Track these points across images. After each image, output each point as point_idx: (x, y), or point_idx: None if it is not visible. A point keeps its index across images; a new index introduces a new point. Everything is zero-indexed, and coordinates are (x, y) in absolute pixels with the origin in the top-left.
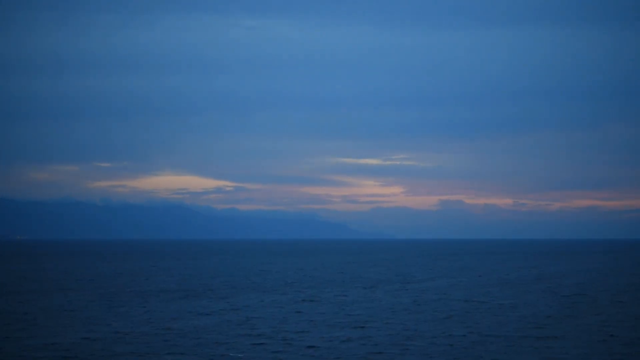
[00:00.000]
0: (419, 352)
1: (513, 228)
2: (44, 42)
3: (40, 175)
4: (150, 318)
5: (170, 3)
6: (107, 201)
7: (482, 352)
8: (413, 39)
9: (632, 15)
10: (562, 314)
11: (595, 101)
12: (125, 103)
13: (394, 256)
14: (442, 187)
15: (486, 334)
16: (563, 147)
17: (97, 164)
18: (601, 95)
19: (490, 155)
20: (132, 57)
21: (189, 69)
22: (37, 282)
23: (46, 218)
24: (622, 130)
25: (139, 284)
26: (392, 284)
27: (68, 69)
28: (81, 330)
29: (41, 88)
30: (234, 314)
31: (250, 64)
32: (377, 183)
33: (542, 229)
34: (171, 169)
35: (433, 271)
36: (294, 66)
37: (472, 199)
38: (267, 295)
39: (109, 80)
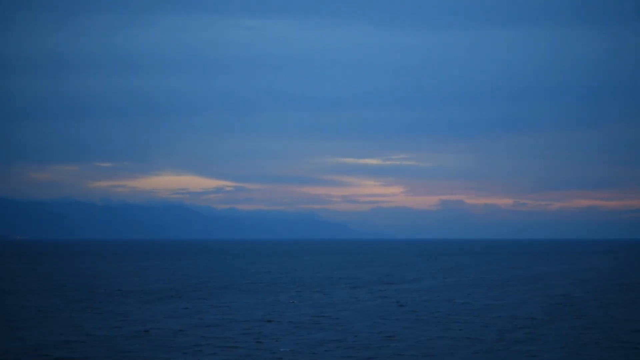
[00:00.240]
0: (392, 355)
1: (513, 228)
2: (44, 42)
3: (40, 175)
4: (120, 321)
5: (171, 3)
6: (107, 201)
7: (457, 355)
8: (413, 38)
9: (632, 16)
10: (545, 316)
11: (595, 101)
12: (125, 103)
13: (390, 256)
14: (442, 187)
15: (464, 337)
16: (563, 147)
17: (97, 164)
18: (602, 95)
19: (490, 155)
20: (132, 57)
21: (189, 69)
22: (21, 282)
23: (46, 218)
24: (623, 130)
25: (125, 285)
26: (379, 284)
27: (68, 69)
28: (40, 333)
29: (41, 88)
30: (209, 316)
31: (250, 64)
32: (377, 183)
33: (542, 229)
34: (171, 169)
35: (425, 272)
36: (294, 66)
37: (472, 199)
38: (250, 296)
39: (109, 80)
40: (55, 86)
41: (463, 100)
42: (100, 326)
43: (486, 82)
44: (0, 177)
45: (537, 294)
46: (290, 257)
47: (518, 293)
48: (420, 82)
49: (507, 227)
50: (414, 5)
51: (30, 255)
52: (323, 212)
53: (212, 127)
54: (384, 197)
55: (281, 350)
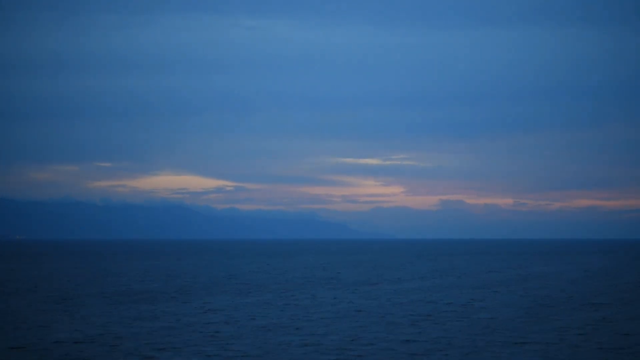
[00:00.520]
0: (354, 358)
1: (513, 228)
2: (44, 42)
3: (40, 175)
4: (84, 324)
5: (171, 3)
6: (107, 201)
7: (436, 358)
8: (413, 38)
9: (634, 16)
10: (530, 318)
11: (596, 101)
12: (125, 103)
13: (385, 257)
14: (442, 187)
15: (444, 339)
16: (563, 147)
17: (97, 164)
18: (602, 95)
19: (490, 155)
20: (132, 57)
21: (189, 68)
22: (3, 283)
23: (46, 218)
24: (623, 130)
25: (108, 286)
26: (367, 285)
27: (68, 69)
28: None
29: (41, 88)
30: (175, 318)
31: (250, 64)
32: (377, 183)
33: (542, 229)
34: (171, 169)
35: (416, 272)
36: (294, 66)
37: (472, 199)
38: (230, 298)
39: (109, 80)
40: (56, 86)
41: (463, 100)
42: (61, 329)
43: (486, 82)
44: (0, 177)
45: (524, 295)
46: (285, 258)
47: (505, 294)
48: (420, 82)
49: (507, 227)
50: (414, 5)
51: (25, 256)
52: (323, 212)
53: (212, 127)
54: (384, 197)
55: (229, 355)
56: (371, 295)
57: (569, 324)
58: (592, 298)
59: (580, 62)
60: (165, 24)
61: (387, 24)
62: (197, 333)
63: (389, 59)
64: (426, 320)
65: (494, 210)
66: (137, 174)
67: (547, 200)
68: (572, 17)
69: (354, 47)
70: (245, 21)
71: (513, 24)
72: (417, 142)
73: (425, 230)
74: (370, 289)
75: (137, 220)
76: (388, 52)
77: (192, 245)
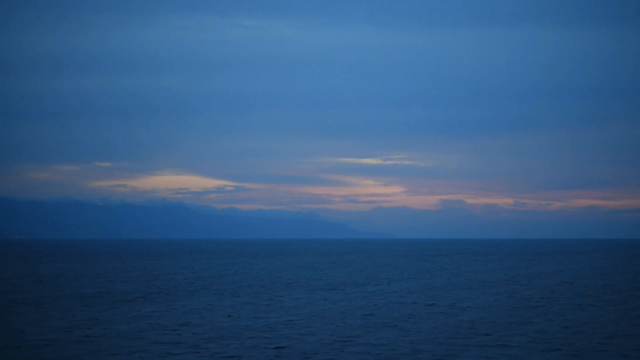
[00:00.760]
0: None
1: (513, 228)
2: (43, 42)
3: (40, 175)
4: (49, 326)
5: (171, 3)
6: (106, 201)
7: None
8: (414, 38)
9: (636, 15)
10: (512, 319)
11: (597, 101)
12: (125, 103)
13: (380, 256)
14: (442, 187)
15: (424, 342)
16: (564, 147)
17: (97, 164)
18: (603, 95)
19: (491, 155)
20: (132, 57)
21: (189, 68)
22: None
23: (46, 218)
24: (623, 130)
25: (91, 286)
26: (354, 286)
27: (68, 68)
28: None
29: (41, 88)
30: (144, 321)
31: (250, 64)
32: (377, 183)
33: (542, 229)
34: (171, 169)
35: (407, 272)
36: (294, 66)
37: (473, 199)
38: (208, 299)
39: (108, 80)
40: (55, 86)
41: (463, 100)
42: (30, 331)
43: (487, 82)
44: (0, 177)
45: (510, 297)
46: (279, 258)
47: (492, 295)
48: (420, 82)
49: (507, 227)
50: (415, 5)
51: (19, 256)
52: (323, 212)
53: (212, 127)
54: (384, 197)
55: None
56: (354, 296)
57: (549, 326)
58: (579, 299)
59: (582, 62)
60: (165, 24)
61: (387, 24)
62: (163, 336)
63: (389, 59)
64: (405, 321)
65: (494, 210)
66: (137, 174)
67: (547, 200)
68: (574, 16)
69: (354, 47)
70: (245, 21)
71: (514, 23)
72: (417, 142)
73: (426, 230)
74: (356, 289)
75: (136, 220)
76: (388, 52)
77: (190, 246)
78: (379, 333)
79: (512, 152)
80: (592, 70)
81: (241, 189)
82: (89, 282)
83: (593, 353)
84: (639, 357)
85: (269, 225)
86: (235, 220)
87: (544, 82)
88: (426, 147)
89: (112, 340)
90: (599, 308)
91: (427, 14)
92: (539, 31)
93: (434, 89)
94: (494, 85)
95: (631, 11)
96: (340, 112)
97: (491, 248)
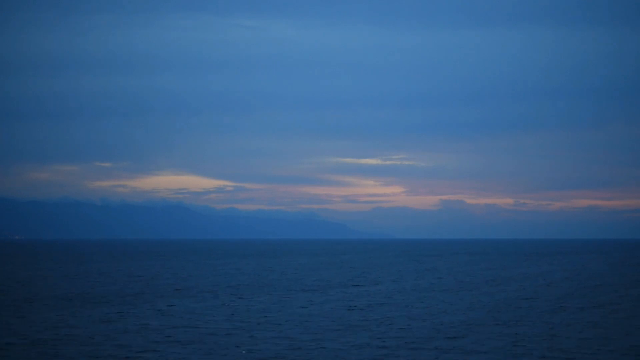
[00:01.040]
0: None
1: (514, 228)
2: (43, 42)
3: (40, 175)
4: (27, 328)
5: (171, 3)
6: (106, 201)
7: None
8: (413, 38)
9: (636, 16)
10: (491, 322)
11: (597, 101)
12: (125, 103)
13: (376, 257)
14: (442, 187)
15: (382, 346)
16: (564, 147)
17: (97, 164)
18: (604, 95)
19: (491, 155)
20: (132, 57)
21: (189, 68)
22: None
23: (46, 218)
24: (623, 130)
25: (72, 288)
26: (338, 287)
27: (68, 69)
28: None
29: (41, 88)
30: (104, 325)
31: (250, 64)
32: (377, 183)
33: (542, 229)
34: (171, 169)
35: (397, 273)
36: (294, 66)
37: (473, 199)
38: (178, 301)
39: (108, 80)
40: (55, 86)
41: (463, 100)
42: (5, 334)
43: (487, 82)
44: (0, 177)
45: (495, 298)
46: (272, 259)
47: (478, 296)
48: (420, 82)
49: (507, 227)
50: (414, 5)
51: (16, 256)
52: (323, 212)
53: (212, 127)
54: (384, 197)
55: None
56: (335, 297)
57: (528, 330)
58: (564, 301)
59: (581, 62)
60: (165, 24)
61: (387, 24)
62: (116, 340)
63: (389, 59)
64: (379, 324)
65: (494, 210)
66: (137, 174)
67: (547, 200)
68: (574, 16)
69: (354, 47)
70: (245, 21)
71: (514, 24)
72: (417, 142)
73: (426, 230)
74: (339, 291)
75: (136, 221)
76: (388, 52)
77: (188, 246)
78: (347, 337)
79: (512, 152)
80: (592, 71)
81: (241, 189)
82: (67, 284)
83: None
84: None
85: (269, 225)
86: (235, 221)
87: (544, 82)
88: (426, 147)
89: (63, 345)
90: (583, 311)
91: (427, 14)
92: (539, 31)
93: (434, 89)
94: (494, 85)
95: (631, 11)
96: (340, 112)
97: (488, 248)
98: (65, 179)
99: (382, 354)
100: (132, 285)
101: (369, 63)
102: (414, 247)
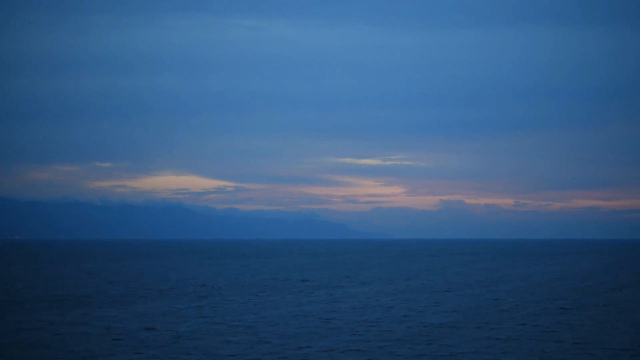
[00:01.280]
0: None
1: (514, 228)
2: (43, 43)
3: (40, 175)
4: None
5: (171, 3)
6: (106, 201)
7: None
8: (413, 38)
9: (636, 16)
10: (473, 324)
11: (597, 101)
12: (125, 103)
13: (371, 257)
14: (442, 187)
15: (355, 349)
16: (564, 147)
17: (97, 164)
18: (604, 96)
19: (491, 155)
20: (132, 57)
21: (189, 68)
22: None
23: (45, 218)
24: (623, 130)
25: (53, 289)
26: (325, 288)
27: (68, 69)
28: None
29: (41, 88)
30: (68, 328)
31: (250, 64)
32: (377, 183)
33: (542, 229)
34: (171, 169)
35: (387, 274)
36: (294, 66)
37: (473, 199)
38: (154, 303)
39: (108, 80)
40: (55, 86)
41: (463, 100)
42: None
43: (487, 82)
44: (0, 177)
45: (481, 299)
46: (266, 259)
47: (464, 297)
48: (420, 82)
49: (507, 227)
50: (414, 5)
51: (11, 257)
52: (323, 212)
53: (212, 127)
54: (384, 197)
55: None
56: (322, 298)
57: (511, 333)
58: (550, 302)
59: (582, 62)
60: (165, 24)
61: (387, 24)
62: (77, 345)
63: (389, 59)
64: (360, 326)
65: (494, 211)
66: (137, 174)
67: (547, 201)
68: (574, 16)
69: (354, 47)
70: (245, 21)
71: (514, 24)
72: (417, 142)
73: (426, 230)
74: (327, 292)
75: (136, 221)
76: (388, 52)
77: (187, 246)
78: (320, 340)
79: (512, 153)
80: (592, 71)
81: (241, 189)
82: (50, 285)
83: None
84: None
85: (269, 225)
86: (235, 221)
87: (544, 82)
88: (426, 148)
89: (16, 348)
90: (562, 313)
91: (428, 14)
92: (539, 32)
93: (434, 89)
94: (494, 85)
95: (631, 12)
96: (340, 112)
97: (488, 248)
98: (65, 179)
99: (350, 359)
100: (114, 287)
101: (369, 63)
102: (413, 248)
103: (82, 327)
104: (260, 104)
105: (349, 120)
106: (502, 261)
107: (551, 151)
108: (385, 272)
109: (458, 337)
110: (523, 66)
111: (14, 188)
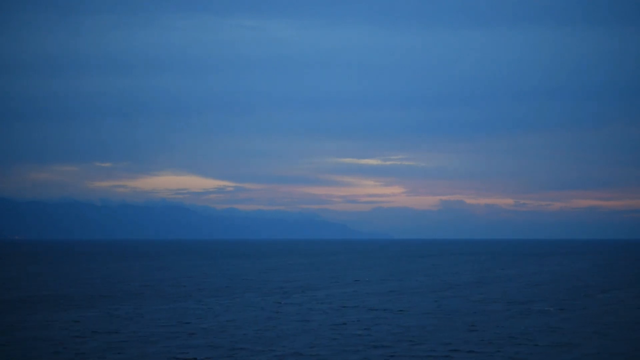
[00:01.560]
0: None
1: (514, 228)
2: (43, 43)
3: (40, 175)
4: None
5: (171, 3)
6: (106, 201)
7: None
8: (414, 38)
9: (637, 16)
10: (441, 327)
11: (598, 101)
12: (125, 103)
13: (367, 257)
14: (442, 187)
15: (315, 354)
16: (564, 147)
17: (97, 164)
18: (604, 96)
19: (491, 155)
20: (131, 57)
21: (189, 69)
22: None
23: (45, 218)
24: (623, 130)
25: (36, 289)
26: (313, 289)
27: (68, 69)
28: None
29: (41, 88)
30: (25, 332)
31: (250, 64)
32: (377, 183)
33: (542, 229)
34: (171, 169)
35: (382, 274)
36: (294, 66)
37: (473, 199)
38: (123, 305)
39: (108, 80)
40: (55, 86)
41: (464, 100)
42: None
43: (487, 82)
44: (0, 177)
45: (465, 301)
46: (262, 259)
47: (448, 299)
48: (420, 82)
49: (507, 227)
50: (414, 5)
51: (7, 257)
52: (323, 212)
53: (212, 127)
54: (384, 197)
55: None
56: (303, 300)
57: (487, 336)
58: (534, 304)
59: (582, 63)
60: (165, 24)
61: (387, 24)
62: (35, 349)
63: (389, 59)
64: (333, 329)
65: (494, 210)
66: (137, 174)
67: (547, 201)
68: (574, 17)
69: (354, 47)
70: (245, 21)
71: (515, 24)
72: (417, 142)
73: (426, 230)
74: (312, 293)
75: (136, 221)
76: (388, 52)
77: (186, 246)
78: (284, 344)
79: (512, 153)
80: (593, 71)
81: (241, 189)
82: (30, 285)
83: None
84: None
85: (269, 225)
86: (235, 221)
87: (544, 82)
88: (426, 148)
89: None
90: (544, 315)
91: (428, 14)
92: (539, 32)
93: (434, 89)
94: (495, 85)
95: (632, 12)
96: (340, 112)
97: (486, 249)
98: (65, 179)
99: None
100: (96, 288)
101: (369, 63)
102: (412, 248)
103: (36, 332)
104: (260, 104)
105: (349, 120)
106: (498, 262)
107: (551, 151)
108: (374, 274)
109: (421, 343)
110: (523, 66)
111: (14, 188)
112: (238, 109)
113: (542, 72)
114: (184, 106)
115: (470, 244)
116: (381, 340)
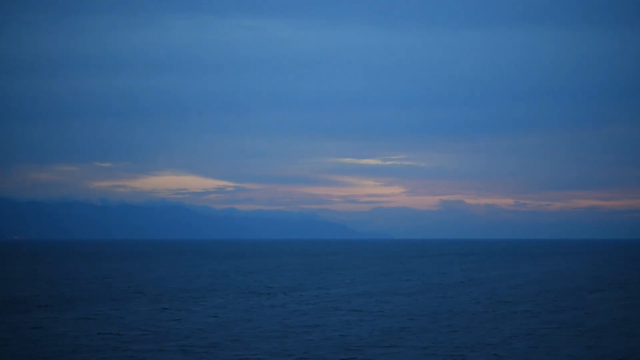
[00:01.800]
0: None
1: (514, 228)
2: (42, 43)
3: (40, 175)
4: None
5: (170, 3)
6: (106, 201)
7: None
8: (414, 38)
9: (636, 16)
10: (418, 329)
11: (598, 101)
12: (124, 103)
13: (364, 257)
14: (442, 187)
15: (292, 356)
16: (564, 147)
17: (96, 164)
18: (605, 96)
19: (491, 155)
20: (131, 57)
21: (189, 69)
22: None
23: (45, 218)
24: (624, 130)
25: (18, 291)
26: (292, 290)
27: (67, 69)
28: None
29: (40, 89)
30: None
31: (250, 64)
32: (377, 183)
33: (543, 229)
34: (171, 169)
35: (369, 275)
36: (294, 66)
37: (473, 199)
38: (107, 306)
39: (108, 80)
40: (55, 86)
41: (464, 100)
42: None
43: (487, 82)
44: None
45: (450, 302)
46: (254, 259)
47: (433, 299)
48: (420, 82)
49: (507, 227)
50: (415, 5)
51: (3, 257)
52: (323, 213)
53: (212, 127)
54: (384, 197)
55: None
56: (282, 301)
57: (464, 339)
58: (520, 305)
59: (582, 63)
60: (165, 24)
61: (387, 24)
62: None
63: (389, 59)
64: (307, 332)
65: (494, 211)
66: (137, 174)
67: (547, 201)
68: (575, 17)
69: (354, 47)
70: (244, 21)
71: (515, 24)
72: (417, 142)
73: (426, 230)
74: (294, 294)
75: (136, 221)
76: (388, 52)
77: (186, 246)
78: (259, 345)
79: (512, 153)
80: (593, 71)
81: (241, 189)
82: (11, 287)
83: None
84: None
85: (269, 225)
86: (235, 221)
87: (544, 82)
88: (426, 148)
89: None
90: (530, 317)
91: (428, 14)
92: (539, 32)
93: (434, 89)
94: (495, 85)
95: (632, 12)
96: (340, 112)
97: (485, 249)
98: (65, 179)
99: None
100: (80, 288)
101: (369, 63)
102: (410, 248)
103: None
104: (260, 104)
105: (349, 120)
106: (493, 262)
107: (551, 151)
108: (363, 274)
109: (399, 345)
110: (523, 66)
111: (14, 188)
112: (238, 109)
113: (542, 72)
114: (183, 106)
115: (470, 244)
116: (351, 345)
